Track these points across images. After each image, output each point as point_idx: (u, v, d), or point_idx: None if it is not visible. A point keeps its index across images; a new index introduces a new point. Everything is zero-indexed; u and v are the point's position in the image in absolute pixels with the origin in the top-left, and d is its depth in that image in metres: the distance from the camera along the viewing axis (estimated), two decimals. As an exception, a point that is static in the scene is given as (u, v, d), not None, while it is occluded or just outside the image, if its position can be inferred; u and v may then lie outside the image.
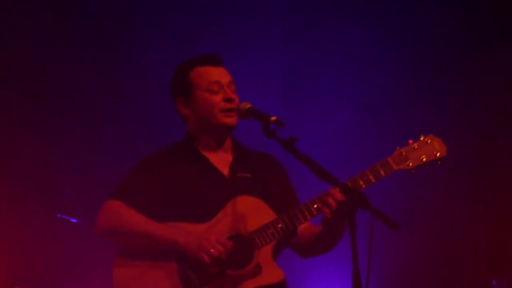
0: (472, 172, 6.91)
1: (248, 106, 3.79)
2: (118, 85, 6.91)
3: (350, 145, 7.04)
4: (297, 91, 7.41)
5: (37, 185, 6.55)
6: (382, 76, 7.21)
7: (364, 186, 3.73)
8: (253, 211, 3.80)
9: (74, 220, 6.18)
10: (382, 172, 3.77)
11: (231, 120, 3.90)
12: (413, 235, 6.87)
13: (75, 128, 6.76)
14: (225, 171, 3.95)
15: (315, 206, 3.75)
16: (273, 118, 3.62)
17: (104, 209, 3.84)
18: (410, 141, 3.86)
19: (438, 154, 3.83)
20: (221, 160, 3.97)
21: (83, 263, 6.29)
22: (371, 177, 3.74)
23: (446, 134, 3.96)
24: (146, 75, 6.79)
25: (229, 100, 3.90)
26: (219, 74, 3.97)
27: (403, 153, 3.83)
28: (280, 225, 3.76)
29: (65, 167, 6.63)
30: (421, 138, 3.87)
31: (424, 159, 3.82)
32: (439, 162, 3.85)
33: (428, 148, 3.85)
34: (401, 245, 6.87)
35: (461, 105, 7.01)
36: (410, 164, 3.82)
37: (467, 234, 7.00)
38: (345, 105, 7.20)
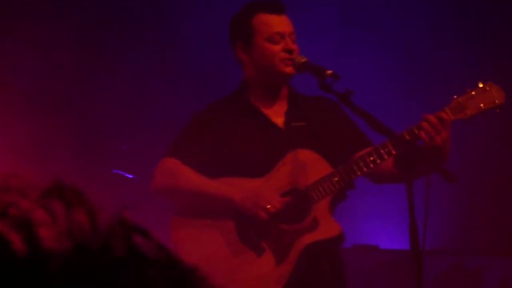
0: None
1: (304, 59, 3.74)
2: (170, 38, 6.92)
3: (402, 100, 6.97)
4: (351, 40, 7.32)
5: (93, 139, 6.63)
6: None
7: (421, 138, 3.59)
8: (309, 165, 3.76)
9: (130, 176, 6.24)
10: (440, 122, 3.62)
11: (289, 69, 3.82)
12: (472, 189, 6.81)
13: (131, 82, 6.80)
14: (280, 121, 3.90)
15: (371, 158, 3.68)
16: (329, 71, 3.58)
17: (159, 167, 3.83)
18: (468, 89, 3.73)
19: (497, 102, 3.70)
20: (276, 110, 3.92)
21: (139, 219, 6.35)
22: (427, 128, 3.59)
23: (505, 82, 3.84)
24: (198, 28, 6.79)
25: (289, 51, 3.82)
26: (282, 24, 3.87)
27: (461, 102, 3.70)
28: (336, 179, 3.71)
29: (121, 121, 6.69)
30: (480, 85, 3.73)
31: (483, 107, 3.69)
32: (497, 110, 3.72)
33: (486, 96, 3.70)
34: (459, 199, 6.82)
35: None
36: (468, 112, 3.69)
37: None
38: (392, 59, 7.12)
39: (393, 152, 3.61)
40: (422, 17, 7.15)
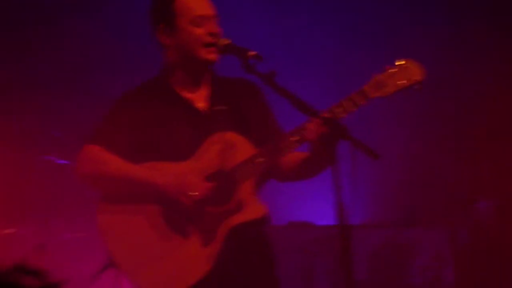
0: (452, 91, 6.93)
1: (227, 41, 3.71)
2: (98, 22, 6.88)
3: (332, 76, 7.04)
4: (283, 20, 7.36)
5: (26, 127, 6.57)
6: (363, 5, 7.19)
7: (340, 116, 3.61)
8: (232, 147, 3.75)
9: (62, 161, 6.20)
10: (358, 101, 3.64)
11: (213, 56, 3.77)
12: (394, 162, 6.92)
13: (62, 71, 6.76)
14: (203, 106, 3.87)
15: (294, 138, 3.69)
16: (252, 52, 3.57)
17: (82, 154, 3.78)
18: (387, 67, 3.71)
19: (416, 78, 3.69)
20: (198, 95, 3.89)
21: (70, 204, 6.32)
22: (347, 106, 3.63)
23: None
24: (125, 8, 6.76)
25: (212, 35, 3.77)
26: (205, 7, 3.82)
27: (380, 80, 3.68)
28: (259, 160, 3.71)
29: (52, 109, 6.65)
30: (398, 63, 3.71)
31: (402, 84, 3.68)
32: (416, 87, 3.70)
33: (405, 73, 3.69)
34: (382, 174, 6.92)
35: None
36: (388, 90, 3.67)
37: (450, 158, 7.05)
38: (325, 34, 7.18)
39: (316, 130, 3.62)
40: None
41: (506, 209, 6.71)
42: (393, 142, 6.88)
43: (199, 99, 3.89)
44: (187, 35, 3.80)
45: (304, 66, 7.16)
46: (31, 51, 6.70)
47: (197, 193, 3.64)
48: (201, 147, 3.75)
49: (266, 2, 7.32)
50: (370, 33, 7.14)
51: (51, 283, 1.19)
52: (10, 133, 6.53)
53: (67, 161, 6.18)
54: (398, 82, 3.70)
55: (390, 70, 3.71)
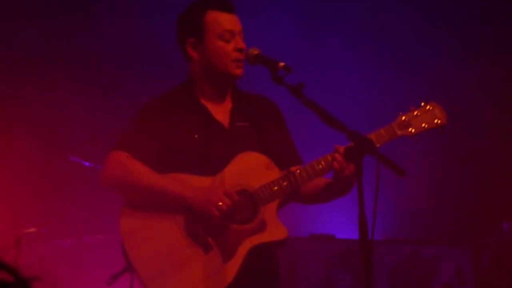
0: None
1: (256, 52, 3.74)
2: (128, 32, 6.93)
3: (358, 97, 7.06)
4: (309, 40, 7.38)
5: (52, 128, 6.62)
6: (393, 33, 7.20)
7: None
8: (258, 167, 3.80)
9: (88, 164, 6.23)
10: (386, 137, 3.80)
11: (240, 71, 3.85)
12: (420, 179, 6.91)
13: (92, 74, 6.81)
14: (225, 120, 3.91)
15: (320, 166, 3.76)
16: (282, 64, 3.59)
17: (109, 160, 3.79)
18: (412, 107, 3.87)
19: (439, 122, 3.87)
20: (221, 108, 3.93)
21: (98, 207, 6.35)
22: (375, 141, 3.74)
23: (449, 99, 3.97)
24: (157, 21, 6.80)
25: (240, 50, 3.84)
26: (232, 22, 3.89)
27: (405, 119, 3.85)
28: (285, 183, 3.76)
29: (79, 112, 6.69)
30: (422, 105, 3.89)
31: (426, 127, 3.85)
32: (439, 130, 3.89)
33: (429, 116, 3.87)
34: (408, 190, 6.91)
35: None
36: (412, 130, 3.84)
37: (476, 178, 7.02)
38: (354, 59, 7.19)
39: (341, 159, 3.71)
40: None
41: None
42: (419, 158, 6.86)
43: (222, 112, 3.94)
44: (215, 50, 3.86)
45: (331, 86, 7.18)
46: (62, 57, 6.75)
47: (224, 205, 3.65)
48: (228, 165, 3.80)
49: (297, 16, 7.35)
50: (406, 60, 7.16)
51: (23, 279, 1.22)
52: (38, 134, 6.58)
53: (93, 164, 6.21)
54: (423, 125, 3.87)
55: (415, 112, 3.88)
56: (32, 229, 6.12)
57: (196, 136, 3.84)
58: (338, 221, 6.96)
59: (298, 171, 3.78)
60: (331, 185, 3.86)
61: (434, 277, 6.48)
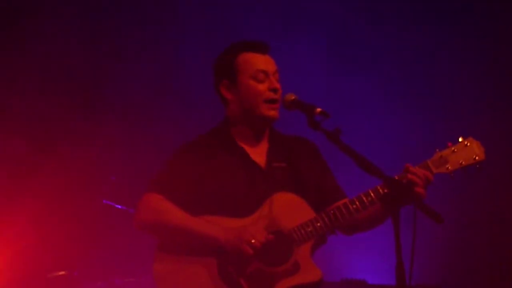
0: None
1: (293, 97, 3.74)
2: (162, 73, 6.98)
3: (393, 143, 7.04)
4: (341, 78, 7.40)
5: (83, 171, 6.65)
6: (433, 72, 7.20)
7: None
8: (291, 208, 3.77)
9: (120, 206, 6.24)
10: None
11: (274, 113, 3.85)
12: (457, 228, 6.86)
13: (122, 114, 6.85)
14: (262, 161, 3.90)
15: (354, 206, 3.72)
16: (318, 109, 3.60)
17: (143, 202, 3.80)
18: (449, 144, 3.80)
19: (476, 158, 3.77)
20: (257, 149, 3.93)
21: (129, 250, 6.36)
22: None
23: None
24: (189, 63, 6.85)
25: (274, 90, 3.84)
26: (265, 63, 3.90)
27: (442, 156, 3.77)
28: (319, 224, 3.74)
29: (111, 153, 6.72)
30: (460, 141, 3.80)
31: (463, 163, 3.76)
32: (477, 166, 3.78)
33: (467, 152, 3.78)
34: (445, 237, 6.85)
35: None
36: (449, 167, 3.75)
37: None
38: (390, 100, 7.20)
39: (376, 200, 3.68)
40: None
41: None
42: (452, 207, 6.82)
43: (258, 153, 3.94)
44: (249, 90, 3.87)
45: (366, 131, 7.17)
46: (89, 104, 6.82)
47: (257, 242, 3.63)
48: (262, 206, 3.77)
49: (330, 61, 7.38)
50: (438, 105, 7.15)
51: None
52: (71, 176, 6.61)
53: (125, 207, 6.23)
54: (460, 161, 3.77)
55: (452, 148, 3.79)
56: (63, 272, 6.13)
57: (232, 177, 3.83)
58: (369, 266, 6.91)
59: (331, 211, 3.75)
60: (368, 218, 3.82)
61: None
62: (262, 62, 3.90)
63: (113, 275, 6.26)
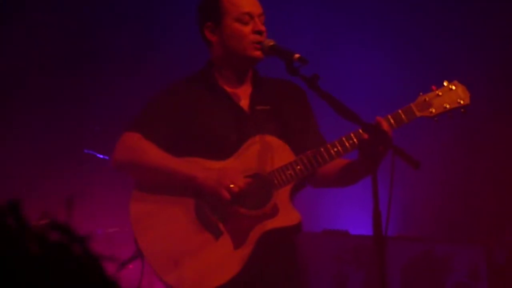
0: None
1: (272, 43, 3.71)
2: (143, 19, 6.93)
3: (376, 87, 7.02)
4: (327, 32, 7.35)
5: (65, 120, 6.63)
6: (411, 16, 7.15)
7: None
8: (272, 151, 3.72)
9: (101, 156, 6.22)
10: (404, 118, 3.67)
11: (258, 53, 3.78)
12: (435, 173, 6.87)
13: (105, 64, 6.81)
14: (245, 104, 3.86)
15: (335, 149, 3.67)
16: (297, 55, 3.55)
17: (121, 141, 3.75)
18: (433, 87, 3.73)
19: (461, 102, 3.71)
20: (241, 92, 3.88)
21: (108, 197, 6.35)
22: (392, 122, 3.64)
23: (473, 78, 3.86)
24: (172, 5, 6.80)
25: (259, 32, 3.77)
26: (251, 4, 3.83)
27: (426, 99, 3.71)
28: (299, 167, 3.69)
29: (94, 103, 6.69)
30: (445, 84, 3.74)
31: (448, 107, 3.70)
32: (462, 110, 3.73)
33: (451, 95, 3.71)
34: (422, 183, 6.88)
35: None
36: (433, 111, 3.69)
37: (491, 174, 6.98)
38: (372, 46, 7.16)
39: (357, 143, 3.63)
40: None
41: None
42: (435, 155, 6.83)
43: (242, 96, 3.88)
44: (233, 32, 3.80)
45: (350, 76, 7.14)
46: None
47: (236, 187, 3.60)
48: (241, 148, 3.73)
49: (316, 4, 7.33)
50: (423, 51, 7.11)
51: (78, 237, 1.20)
52: (51, 126, 6.59)
53: (108, 157, 6.21)
54: (444, 104, 3.71)
55: (437, 91, 3.73)
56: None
57: (215, 119, 3.79)
58: (352, 217, 6.93)
59: (311, 153, 3.70)
60: (355, 164, 3.74)
61: (447, 275, 6.44)
62: (247, 4, 3.83)
63: (95, 226, 6.26)
